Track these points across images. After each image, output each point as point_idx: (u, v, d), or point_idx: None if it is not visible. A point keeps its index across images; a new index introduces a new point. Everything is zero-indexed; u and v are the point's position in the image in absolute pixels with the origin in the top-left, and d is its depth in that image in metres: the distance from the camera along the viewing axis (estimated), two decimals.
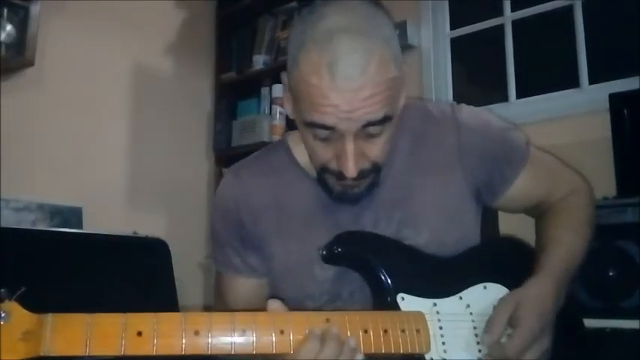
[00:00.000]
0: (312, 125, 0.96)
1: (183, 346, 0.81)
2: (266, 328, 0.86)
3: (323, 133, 0.96)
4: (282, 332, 0.86)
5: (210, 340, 0.82)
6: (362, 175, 0.99)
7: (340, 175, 0.98)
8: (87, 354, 0.77)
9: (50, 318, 0.77)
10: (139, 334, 0.79)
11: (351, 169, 0.96)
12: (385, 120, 0.95)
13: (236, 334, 0.84)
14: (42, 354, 0.75)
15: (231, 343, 0.84)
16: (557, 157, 1.22)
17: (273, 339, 0.86)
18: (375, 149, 0.99)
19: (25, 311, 0.76)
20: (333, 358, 0.86)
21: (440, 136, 1.13)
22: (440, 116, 1.15)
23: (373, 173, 1.02)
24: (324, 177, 1.03)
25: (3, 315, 0.75)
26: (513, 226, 1.27)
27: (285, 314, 0.89)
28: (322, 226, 1.08)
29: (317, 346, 0.86)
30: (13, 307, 0.76)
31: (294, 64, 0.96)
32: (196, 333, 0.82)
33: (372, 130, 0.95)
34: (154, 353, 0.79)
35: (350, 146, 0.95)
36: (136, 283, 2.03)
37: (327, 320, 0.89)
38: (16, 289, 0.77)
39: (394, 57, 0.96)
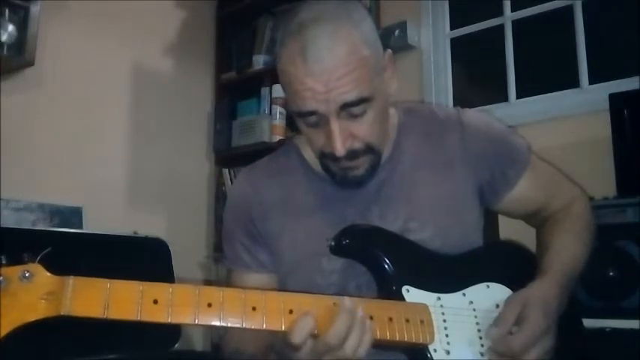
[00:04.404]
0: (299, 114, 1.02)
1: (197, 316, 0.84)
2: (276, 307, 0.89)
3: (310, 119, 1.02)
4: (290, 312, 0.89)
5: (221, 313, 0.85)
6: (354, 154, 1.03)
7: (334, 157, 1.03)
8: (105, 316, 0.80)
9: (72, 280, 0.81)
10: (155, 302, 0.83)
11: (339, 148, 1.00)
12: (362, 101, 0.99)
13: (247, 309, 0.87)
14: (62, 313, 0.79)
15: (242, 318, 0.86)
16: (556, 167, 1.26)
17: (282, 317, 0.88)
18: (363, 129, 1.02)
19: (47, 273, 0.81)
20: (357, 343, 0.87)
21: (444, 135, 1.17)
22: (444, 117, 1.19)
23: (370, 154, 1.06)
24: (326, 163, 1.08)
25: (27, 275, 0.79)
26: (514, 232, 1.29)
27: (295, 295, 0.92)
28: (329, 220, 1.11)
29: (348, 321, 0.87)
30: (36, 268, 0.80)
31: (278, 61, 1.04)
32: (209, 305, 0.85)
33: (353, 110, 1.00)
34: (169, 321, 0.83)
35: (334, 126, 0.99)
36: None
37: (335, 304, 0.92)
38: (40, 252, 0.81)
39: (365, 39, 1.01)
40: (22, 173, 2.54)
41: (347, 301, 0.89)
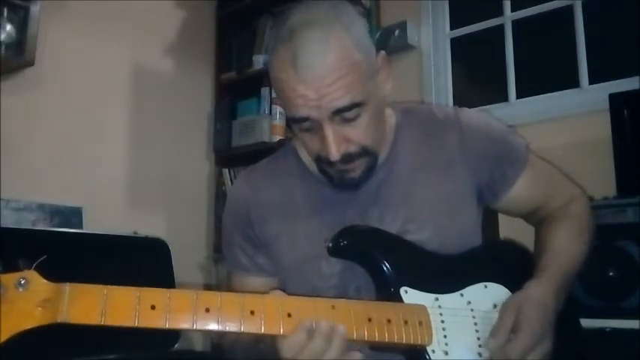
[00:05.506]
0: (293, 120, 1.02)
1: (195, 321, 0.84)
2: (274, 310, 0.88)
3: (304, 124, 1.02)
4: (289, 315, 0.89)
5: (220, 317, 0.85)
6: (349, 158, 1.03)
7: (329, 161, 1.02)
8: (102, 323, 0.80)
9: (68, 287, 0.80)
10: (153, 307, 0.83)
11: (333, 153, 1.00)
12: (355, 106, 0.99)
13: (245, 314, 0.87)
14: (59, 321, 0.78)
15: (240, 323, 0.86)
16: (556, 166, 1.26)
17: (281, 321, 0.88)
18: (357, 132, 1.02)
19: (43, 280, 0.80)
20: (319, 354, 0.87)
21: (443, 135, 1.16)
22: (443, 117, 1.19)
23: (365, 157, 1.05)
24: (322, 167, 1.08)
25: (22, 282, 0.78)
26: (514, 232, 1.28)
27: (293, 298, 0.92)
28: (328, 222, 1.11)
29: (303, 338, 0.87)
30: (32, 275, 0.79)
31: (270, 67, 1.04)
32: (207, 310, 0.85)
33: (346, 115, 1.00)
34: (166, 326, 0.83)
35: (328, 131, 0.99)
36: (135, 283, 2.02)
37: (333, 307, 0.92)
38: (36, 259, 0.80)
39: (356, 42, 1.00)
40: (22, 173, 2.54)
41: (306, 322, 0.88)
